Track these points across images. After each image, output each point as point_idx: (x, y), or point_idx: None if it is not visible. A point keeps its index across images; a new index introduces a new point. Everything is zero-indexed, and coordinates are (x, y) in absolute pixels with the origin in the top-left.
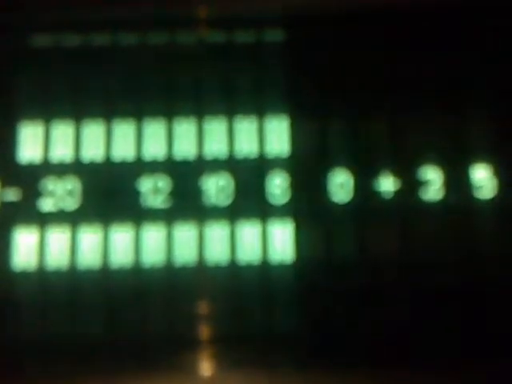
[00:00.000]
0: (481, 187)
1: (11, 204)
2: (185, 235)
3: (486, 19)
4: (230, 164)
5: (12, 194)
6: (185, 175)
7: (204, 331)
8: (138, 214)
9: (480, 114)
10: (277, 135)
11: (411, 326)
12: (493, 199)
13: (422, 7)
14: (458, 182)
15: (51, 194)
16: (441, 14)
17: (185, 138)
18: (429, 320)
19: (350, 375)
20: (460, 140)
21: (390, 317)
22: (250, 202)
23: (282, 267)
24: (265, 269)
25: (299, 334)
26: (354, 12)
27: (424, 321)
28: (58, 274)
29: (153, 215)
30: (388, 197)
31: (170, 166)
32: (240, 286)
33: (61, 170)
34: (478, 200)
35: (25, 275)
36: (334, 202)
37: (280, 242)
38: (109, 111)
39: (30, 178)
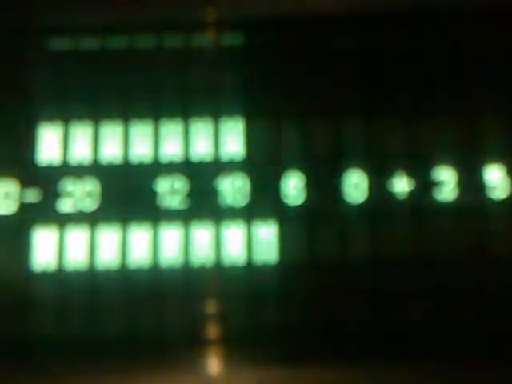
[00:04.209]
0: (494, 187)
1: (31, 205)
2: (202, 235)
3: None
4: (246, 165)
5: (31, 195)
6: (201, 176)
7: (219, 331)
8: (155, 215)
9: (494, 115)
10: (291, 137)
11: (427, 324)
12: (506, 199)
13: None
14: (471, 182)
15: (70, 194)
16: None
17: (201, 138)
18: (444, 319)
19: (354, 374)
20: (474, 140)
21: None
22: (266, 203)
23: (296, 267)
24: (280, 268)
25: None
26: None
27: (439, 320)
28: (76, 273)
29: (170, 215)
30: (402, 197)
31: (187, 167)
32: (256, 286)
33: (79, 171)
34: (492, 200)
35: (44, 275)
36: (348, 203)
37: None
38: (126, 113)
39: (49, 179)
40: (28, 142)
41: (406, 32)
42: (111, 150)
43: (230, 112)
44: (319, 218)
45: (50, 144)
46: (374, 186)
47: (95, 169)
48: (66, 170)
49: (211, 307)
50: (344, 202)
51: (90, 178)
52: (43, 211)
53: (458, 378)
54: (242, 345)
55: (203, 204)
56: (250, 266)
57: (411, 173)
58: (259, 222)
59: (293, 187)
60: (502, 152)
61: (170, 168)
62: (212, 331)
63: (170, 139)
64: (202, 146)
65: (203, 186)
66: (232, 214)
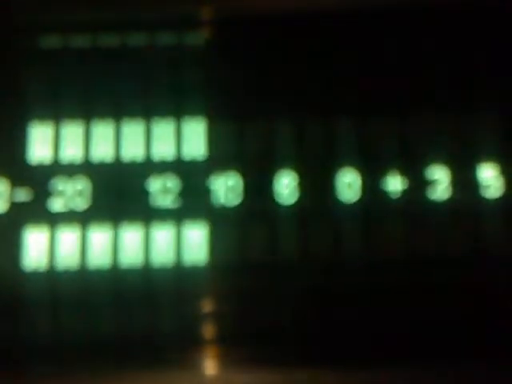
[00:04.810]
0: (488, 186)
1: (22, 204)
2: (194, 235)
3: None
4: (238, 164)
5: (22, 194)
6: (193, 175)
7: (214, 331)
8: (147, 214)
9: (487, 113)
10: (285, 136)
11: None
12: (500, 198)
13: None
14: (465, 181)
15: (61, 193)
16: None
17: (193, 138)
18: (434, 317)
19: (352, 374)
20: (467, 139)
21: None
22: (257, 202)
23: (289, 266)
24: (273, 268)
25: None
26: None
27: (432, 317)
28: (68, 273)
29: (162, 215)
30: (395, 196)
31: (179, 166)
32: (248, 286)
33: (71, 170)
34: (485, 199)
35: (35, 274)
36: (341, 202)
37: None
38: (118, 111)
39: (41, 178)
40: (19, 141)
41: (399, 29)
42: (102, 149)
43: (223, 111)
44: (312, 217)
45: (41, 143)
46: (367, 185)
47: (86, 168)
48: (57, 169)
49: (204, 307)
50: (337, 201)
51: (82, 177)
52: (34, 210)
53: None
54: (237, 345)
55: (195, 203)
56: (242, 265)
57: (404, 172)
58: (251, 222)
59: (285, 186)
60: (495, 150)
61: (162, 167)
62: (206, 331)
63: (161, 138)
64: (193, 146)
65: (195, 186)
66: (224, 213)
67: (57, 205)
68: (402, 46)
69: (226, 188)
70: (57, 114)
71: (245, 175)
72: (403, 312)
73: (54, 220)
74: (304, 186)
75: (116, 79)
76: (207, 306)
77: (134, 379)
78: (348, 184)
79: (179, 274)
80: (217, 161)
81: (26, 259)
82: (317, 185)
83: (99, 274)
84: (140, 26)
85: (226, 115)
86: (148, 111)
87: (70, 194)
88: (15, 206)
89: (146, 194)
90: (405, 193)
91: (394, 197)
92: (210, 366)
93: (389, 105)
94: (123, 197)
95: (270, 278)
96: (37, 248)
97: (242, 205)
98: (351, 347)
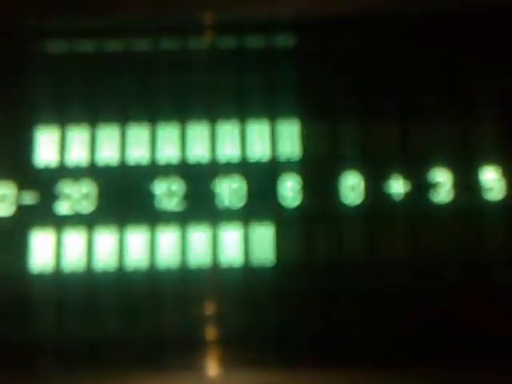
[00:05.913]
0: (490, 189)
1: (28, 207)
2: (198, 237)
3: (487, 21)
4: (243, 167)
5: (29, 198)
6: (198, 178)
7: (221, 332)
8: (152, 217)
9: (489, 116)
10: (288, 138)
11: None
12: (502, 201)
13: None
14: (467, 183)
15: (67, 197)
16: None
17: (198, 141)
18: (438, 320)
19: (351, 374)
20: (469, 142)
21: (399, 317)
22: (262, 205)
23: (292, 268)
24: (276, 270)
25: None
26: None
27: (434, 320)
28: (74, 275)
29: (167, 218)
30: (398, 199)
31: (184, 169)
32: (253, 288)
33: (77, 173)
34: (488, 201)
35: (42, 277)
36: (344, 205)
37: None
38: (123, 115)
39: (47, 182)
40: (25, 145)
41: (401, 34)
42: (108, 152)
43: (227, 114)
44: (316, 219)
45: (47, 146)
46: (371, 187)
47: (92, 171)
48: (63, 172)
49: (209, 309)
50: (341, 203)
51: (87, 180)
52: (41, 213)
53: None
54: (239, 346)
55: (200, 206)
56: (247, 267)
57: (407, 174)
58: (256, 224)
59: (290, 189)
60: (497, 153)
61: (167, 170)
62: (210, 333)
63: (166, 142)
64: (198, 149)
65: (200, 189)
66: (229, 215)
67: (63, 208)
68: (403, 50)
69: (231, 191)
70: (62, 117)
71: (248, 178)
72: (404, 313)
73: (60, 223)
74: (307, 188)
75: (121, 83)
76: (211, 308)
77: (137, 380)
78: (351, 187)
79: (184, 276)
80: (221, 164)
81: (33, 262)
82: (320, 187)
83: (105, 276)
84: (146, 30)
85: (230, 118)
86: (153, 114)
87: (76, 197)
88: (22, 209)
89: (151, 196)
90: (407, 195)
91: (396, 199)
92: (212, 367)
93: (392, 107)
94: (129, 200)
95: (271, 279)
96: (43, 251)
97: (245, 208)
98: (353, 348)
